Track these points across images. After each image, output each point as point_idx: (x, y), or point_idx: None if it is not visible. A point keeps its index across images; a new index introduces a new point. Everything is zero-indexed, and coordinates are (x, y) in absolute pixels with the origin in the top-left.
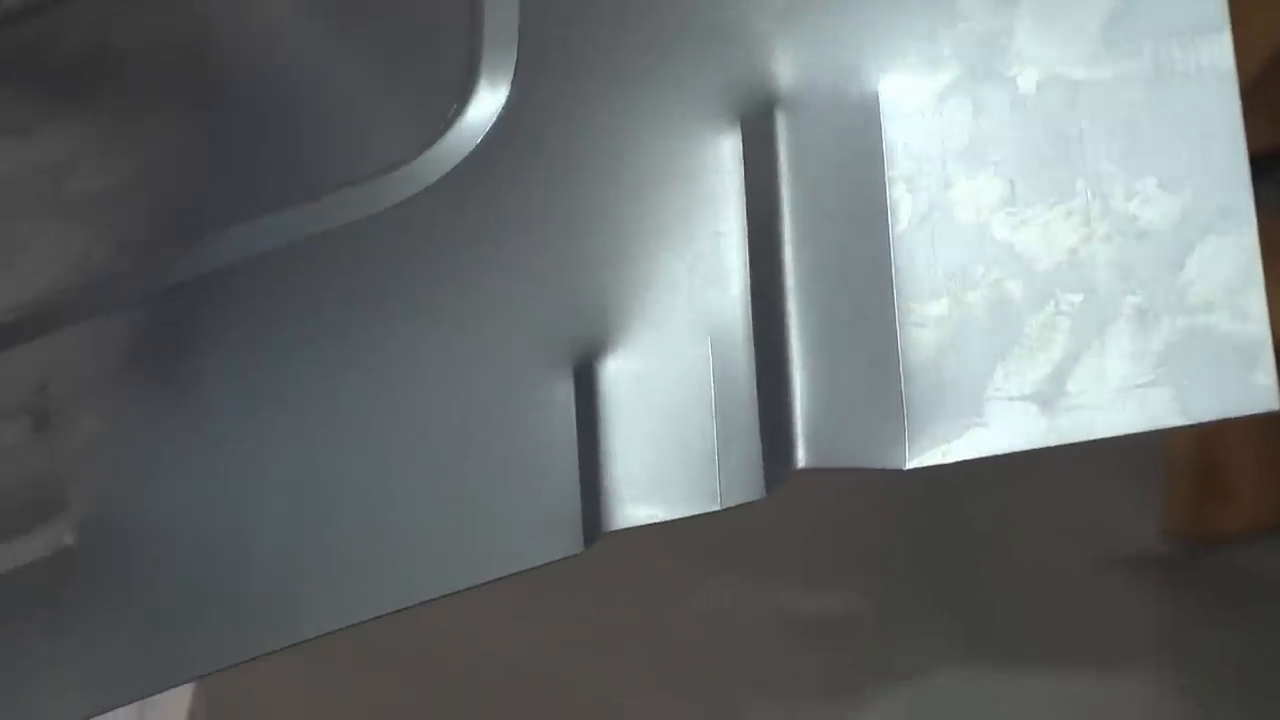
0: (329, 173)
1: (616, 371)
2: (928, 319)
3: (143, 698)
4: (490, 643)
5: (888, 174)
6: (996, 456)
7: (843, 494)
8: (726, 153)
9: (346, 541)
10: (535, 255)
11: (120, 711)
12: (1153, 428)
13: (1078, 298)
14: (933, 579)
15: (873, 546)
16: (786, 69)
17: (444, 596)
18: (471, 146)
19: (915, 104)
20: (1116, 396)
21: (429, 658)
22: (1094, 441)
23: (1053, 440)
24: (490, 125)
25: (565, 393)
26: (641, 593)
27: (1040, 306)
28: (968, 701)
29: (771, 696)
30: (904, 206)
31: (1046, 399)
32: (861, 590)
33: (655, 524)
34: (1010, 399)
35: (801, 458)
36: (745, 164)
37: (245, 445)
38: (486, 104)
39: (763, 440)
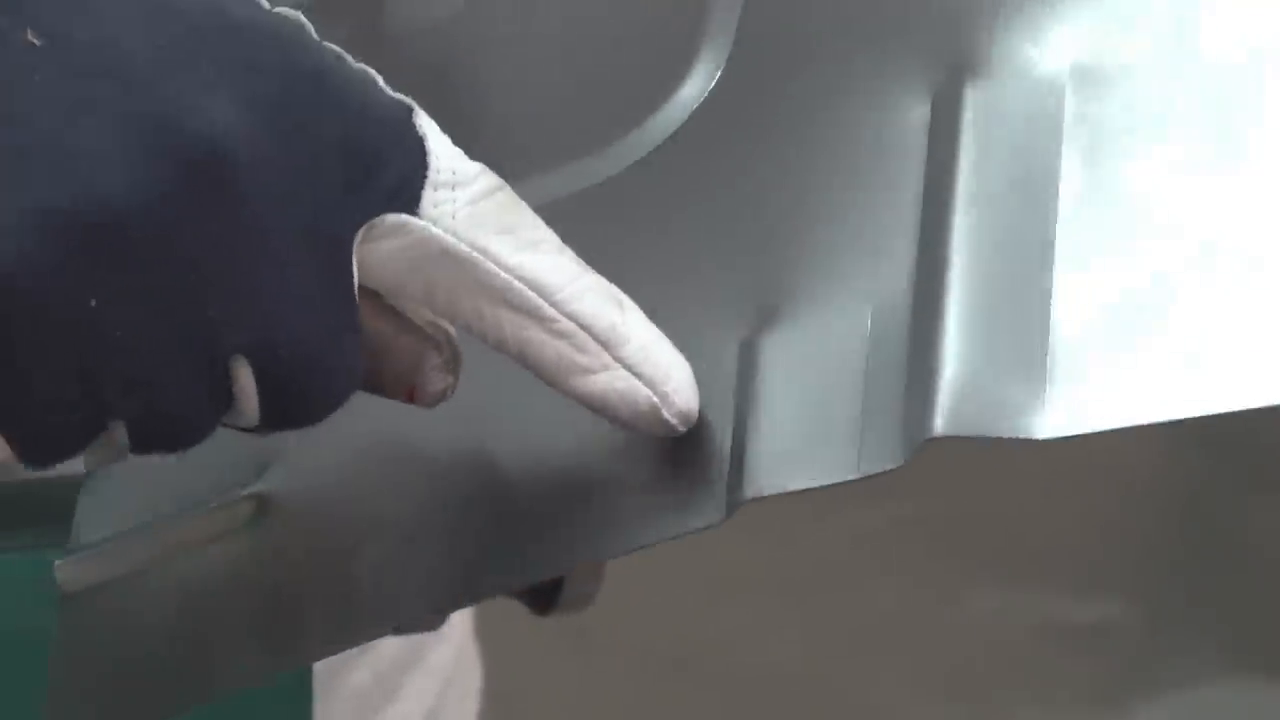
0: (554, 147)
1: (778, 342)
2: (1084, 291)
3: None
4: (754, 646)
5: (1065, 146)
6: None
7: (1112, 503)
8: (914, 124)
9: (506, 511)
10: (724, 227)
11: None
12: None
13: (1241, 268)
14: (1202, 588)
15: (1142, 555)
16: (986, 39)
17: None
18: (681, 121)
19: (1103, 75)
20: (1268, 363)
21: (695, 660)
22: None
23: (1196, 410)
24: (699, 102)
25: (729, 363)
26: (907, 599)
27: (1200, 277)
28: (1237, 712)
29: (1038, 704)
30: (1076, 179)
31: (1195, 369)
32: (1130, 599)
33: (790, 493)
34: (1158, 370)
35: (939, 426)
36: (930, 135)
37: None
38: (698, 82)
39: (905, 409)
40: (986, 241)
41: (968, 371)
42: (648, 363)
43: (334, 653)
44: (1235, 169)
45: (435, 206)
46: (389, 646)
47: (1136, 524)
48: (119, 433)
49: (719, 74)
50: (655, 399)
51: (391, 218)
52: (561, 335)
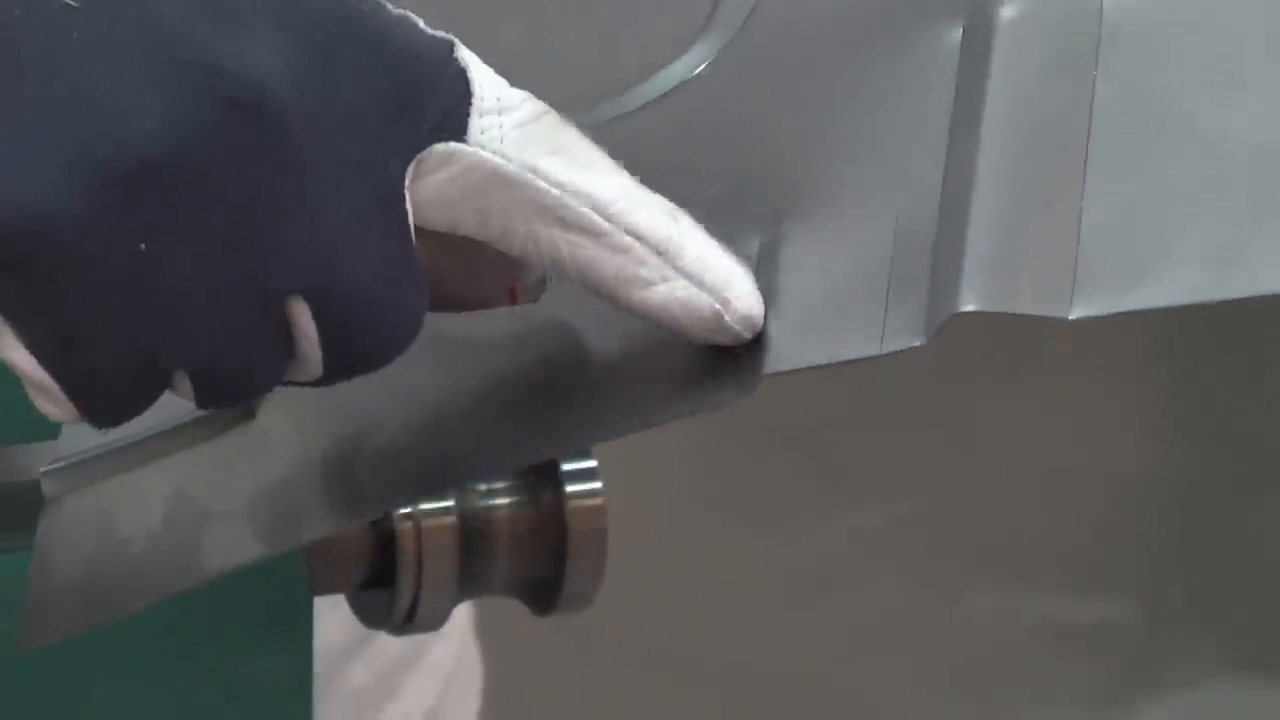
0: (571, 92)
1: (802, 234)
2: (1114, 193)
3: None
4: (754, 646)
5: (1100, 59)
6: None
7: (1112, 503)
8: (947, 47)
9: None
10: (752, 147)
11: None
12: None
13: (1271, 172)
14: (1203, 588)
15: (1142, 555)
16: None
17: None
18: (710, 58)
19: None
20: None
21: (695, 660)
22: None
23: (1222, 294)
24: (729, 40)
25: (751, 254)
26: (907, 599)
27: (1231, 182)
28: (1237, 712)
29: (1038, 704)
30: (1109, 94)
31: (1222, 260)
32: (1130, 599)
33: (815, 368)
34: (1185, 259)
35: (966, 301)
36: (962, 54)
37: None
38: (727, 22)
39: (931, 288)
40: (1018, 148)
41: (997, 254)
42: (707, 270)
43: (331, 530)
44: (1269, 86)
45: (482, 133)
46: (390, 645)
47: (1136, 524)
48: (184, 386)
49: (751, 9)
50: (717, 306)
51: (440, 148)
52: (619, 249)
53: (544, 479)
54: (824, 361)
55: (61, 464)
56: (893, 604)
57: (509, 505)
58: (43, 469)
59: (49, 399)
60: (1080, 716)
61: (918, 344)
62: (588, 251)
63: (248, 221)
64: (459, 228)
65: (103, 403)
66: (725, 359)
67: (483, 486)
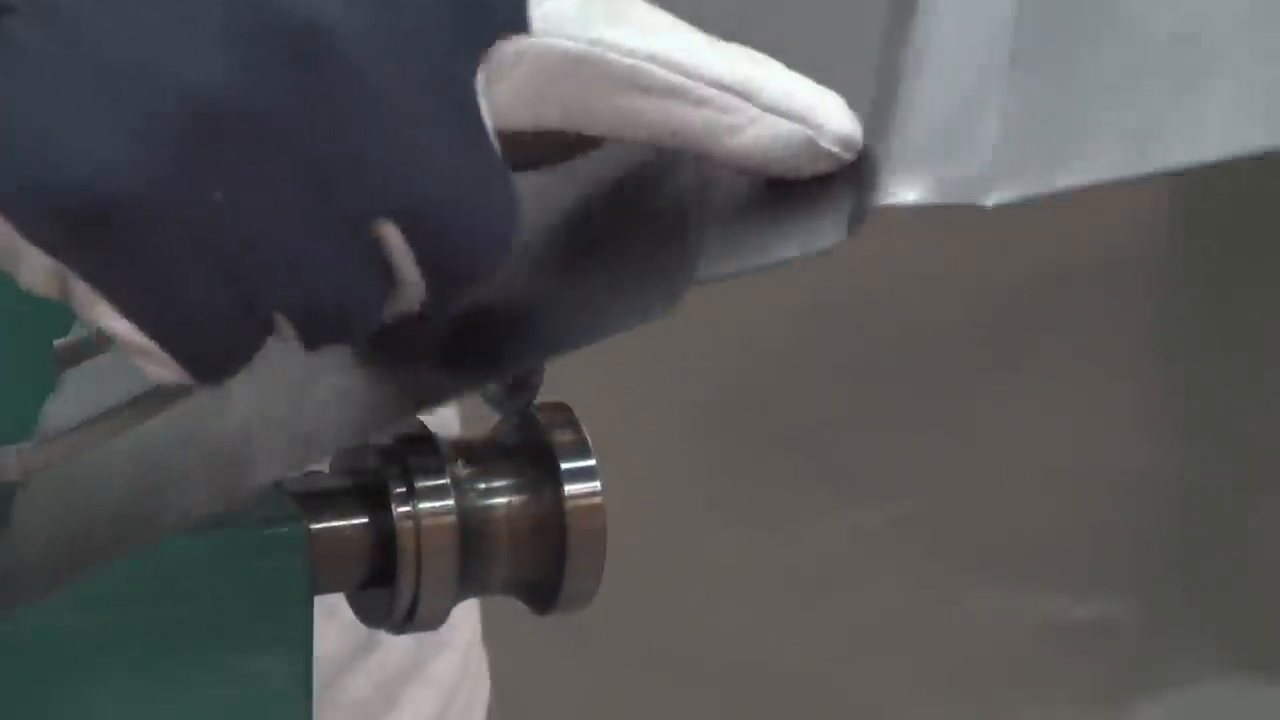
0: None
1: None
2: (1034, 83)
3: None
4: (754, 646)
5: None
6: None
7: (1112, 503)
8: None
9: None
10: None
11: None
12: (1244, 153)
13: (1189, 54)
14: (1201, 587)
15: (1141, 555)
16: None
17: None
18: None
19: None
20: (1212, 129)
21: (695, 660)
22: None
23: (1140, 169)
24: None
25: (688, 164)
26: (907, 599)
27: (1149, 66)
28: (1237, 712)
29: (1038, 704)
30: None
31: (1139, 138)
32: (1130, 599)
33: (747, 274)
34: (1103, 139)
35: (883, 195)
36: None
37: None
38: None
39: (856, 185)
40: (945, 45)
41: (918, 149)
42: (792, 100)
43: (278, 476)
44: None
45: (544, 20)
46: (389, 656)
47: (1136, 524)
48: (287, 329)
49: None
50: (810, 133)
51: (508, 45)
52: (703, 102)
53: (543, 478)
54: (754, 264)
55: (30, 445)
56: (893, 604)
57: (508, 504)
58: (16, 447)
59: (153, 361)
60: (1080, 716)
61: (840, 239)
62: (673, 111)
63: (320, 154)
64: (544, 123)
65: (205, 357)
66: (657, 269)
67: (482, 485)
